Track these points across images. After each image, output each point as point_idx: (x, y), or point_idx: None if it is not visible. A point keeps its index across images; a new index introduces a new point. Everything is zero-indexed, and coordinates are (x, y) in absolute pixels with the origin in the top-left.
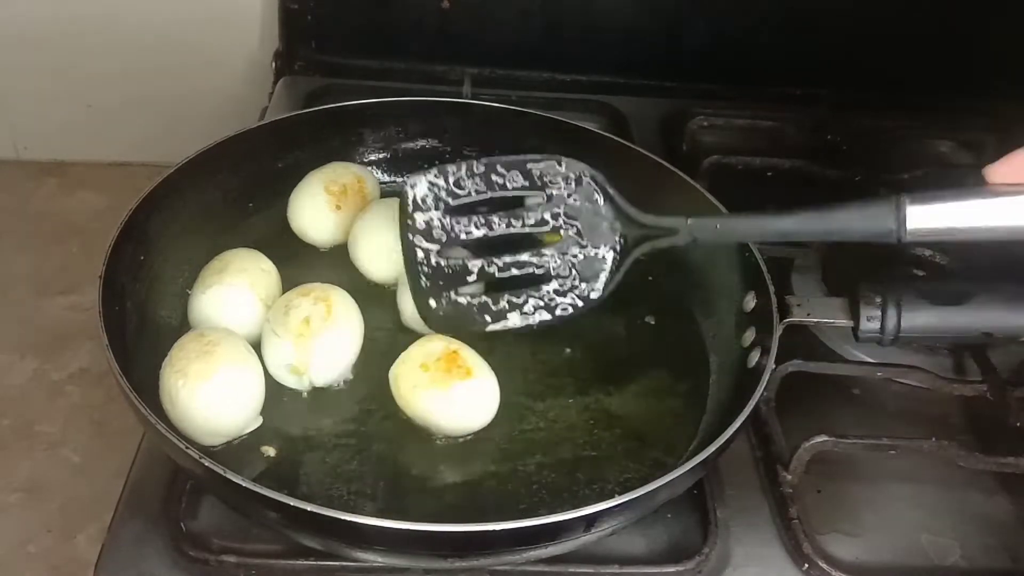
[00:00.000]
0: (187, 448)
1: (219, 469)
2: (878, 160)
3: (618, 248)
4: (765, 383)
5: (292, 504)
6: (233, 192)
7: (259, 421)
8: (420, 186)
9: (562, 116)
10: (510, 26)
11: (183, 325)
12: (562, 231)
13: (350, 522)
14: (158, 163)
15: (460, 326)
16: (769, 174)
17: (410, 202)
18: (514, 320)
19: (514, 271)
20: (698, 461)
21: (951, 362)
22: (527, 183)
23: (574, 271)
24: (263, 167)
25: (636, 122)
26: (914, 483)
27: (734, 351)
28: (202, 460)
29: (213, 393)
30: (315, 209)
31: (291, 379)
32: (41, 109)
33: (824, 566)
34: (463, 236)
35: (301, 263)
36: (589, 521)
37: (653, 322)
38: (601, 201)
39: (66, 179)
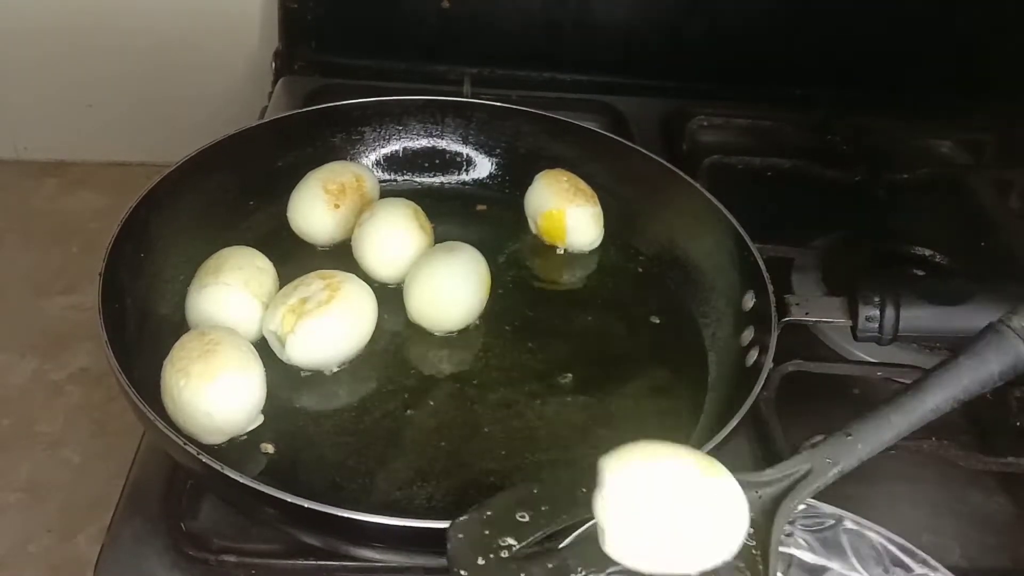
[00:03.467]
0: (186, 445)
1: (218, 466)
2: (878, 160)
3: (751, 534)
4: (763, 382)
5: (290, 501)
6: (233, 190)
7: (260, 420)
8: (467, 530)
9: (562, 116)
10: (510, 26)
11: (183, 323)
12: None
13: (348, 519)
14: (158, 163)
15: None
16: (769, 174)
17: (460, 557)
18: None
19: None
20: None
21: None
22: None
23: None
24: (263, 166)
25: (636, 122)
26: (914, 483)
27: (733, 350)
28: (200, 457)
29: (215, 392)
30: (314, 208)
31: (276, 346)
32: (41, 109)
33: None
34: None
35: (300, 262)
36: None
37: (652, 321)
38: None
39: (66, 179)
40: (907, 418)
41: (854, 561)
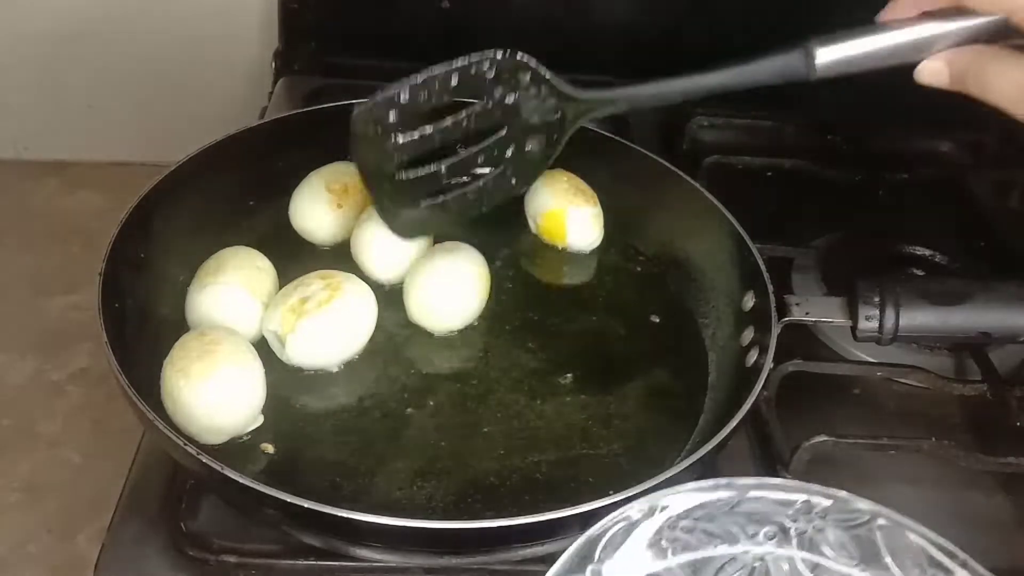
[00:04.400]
0: (186, 445)
1: (218, 466)
2: (878, 160)
3: (556, 122)
4: (763, 382)
5: (290, 501)
6: (234, 190)
7: (260, 419)
8: (375, 107)
9: None
10: (510, 26)
11: (183, 323)
12: (508, 115)
13: (347, 518)
14: (158, 163)
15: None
16: (769, 174)
17: (363, 119)
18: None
19: (471, 160)
20: (695, 459)
21: (951, 362)
22: (470, 85)
23: (520, 149)
24: (264, 165)
25: (636, 122)
26: (914, 483)
27: (733, 350)
28: (200, 457)
29: (215, 392)
30: (316, 208)
31: (276, 346)
32: (41, 109)
33: None
34: (418, 145)
35: (302, 262)
36: (585, 519)
37: (652, 321)
38: (539, 84)
39: (66, 179)
40: (691, 84)
41: (889, 561)
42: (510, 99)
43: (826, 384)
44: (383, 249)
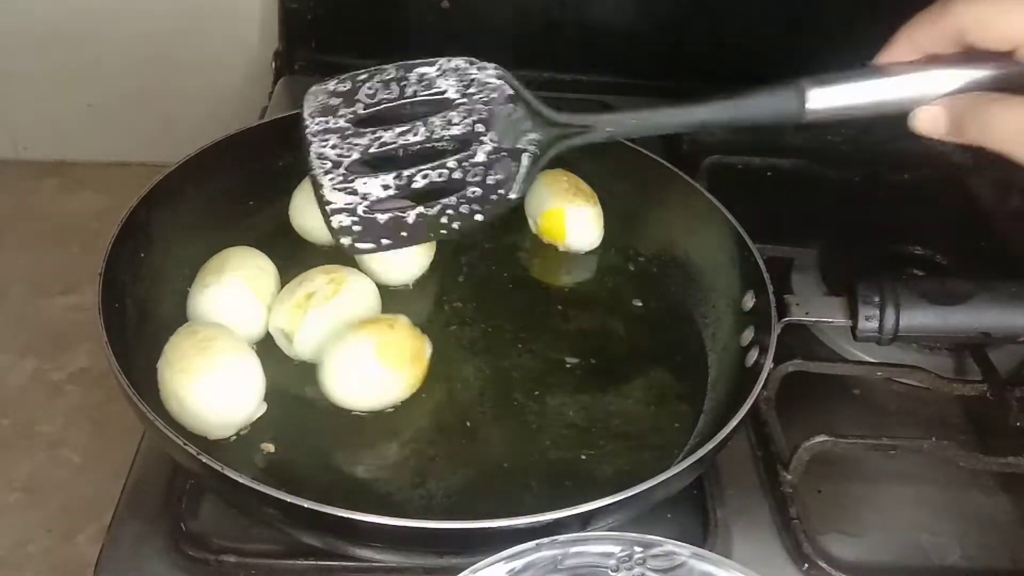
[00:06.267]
0: (185, 445)
1: (218, 466)
2: (878, 160)
3: (532, 149)
4: (763, 382)
5: (290, 501)
6: (234, 190)
7: (264, 408)
8: (320, 95)
9: None
10: (510, 26)
11: (183, 323)
12: (475, 135)
13: (347, 518)
14: (158, 163)
15: (374, 243)
16: (769, 174)
17: (309, 112)
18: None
19: (428, 179)
20: (695, 459)
21: (951, 362)
22: (439, 87)
23: (489, 174)
24: (264, 165)
25: None
26: (914, 483)
27: (733, 350)
28: (200, 457)
29: (220, 385)
30: (316, 207)
31: (283, 342)
32: (41, 109)
33: (824, 566)
34: (372, 148)
35: (302, 261)
36: (584, 519)
37: (652, 321)
38: (514, 103)
39: (66, 179)
40: (678, 118)
41: None
42: (477, 113)
43: (826, 384)
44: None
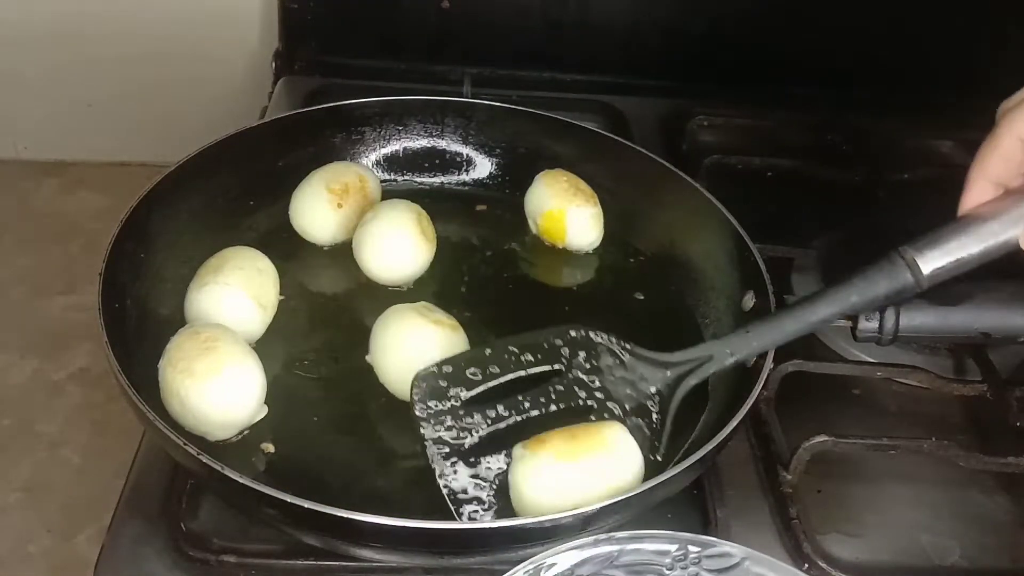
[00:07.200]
0: (186, 445)
1: (218, 466)
2: (878, 160)
3: (656, 401)
4: (763, 382)
5: (290, 501)
6: (234, 190)
7: (265, 410)
8: (428, 380)
9: (562, 116)
10: (510, 26)
11: (183, 323)
12: (593, 403)
13: (347, 519)
14: (158, 163)
15: None
16: (769, 174)
17: (419, 401)
18: None
19: None
20: (695, 459)
21: (951, 362)
22: (543, 357)
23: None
24: (264, 165)
25: (636, 122)
26: (914, 483)
27: None
28: (200, 457)
29: (224, 387)
30: (317, 208)
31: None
32: (41, 109)
33: (824, 566)
34: (484, 427)
35: (302, 262)
36: (585, 520)
37: (651, 321)
38: (623, 357)
39: (66, 179)
40: (797, 324)
41: None
42: (591, 368)
43: (826, 384)
44: (385, 251)
